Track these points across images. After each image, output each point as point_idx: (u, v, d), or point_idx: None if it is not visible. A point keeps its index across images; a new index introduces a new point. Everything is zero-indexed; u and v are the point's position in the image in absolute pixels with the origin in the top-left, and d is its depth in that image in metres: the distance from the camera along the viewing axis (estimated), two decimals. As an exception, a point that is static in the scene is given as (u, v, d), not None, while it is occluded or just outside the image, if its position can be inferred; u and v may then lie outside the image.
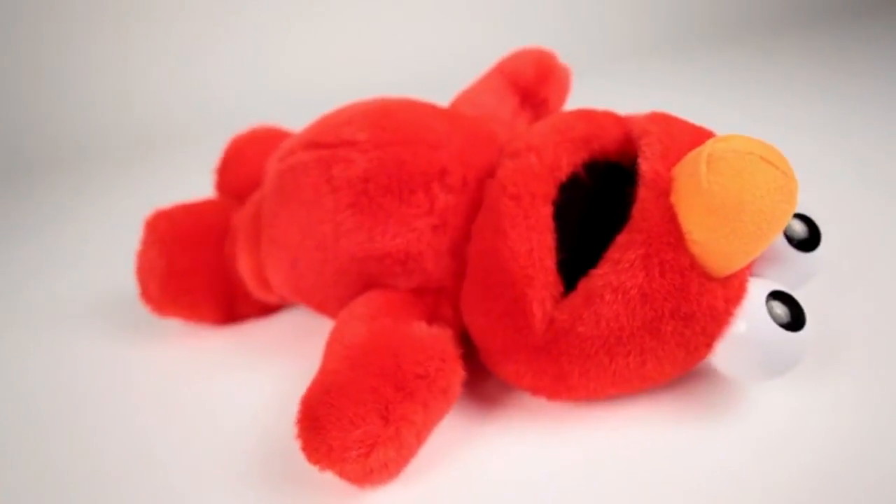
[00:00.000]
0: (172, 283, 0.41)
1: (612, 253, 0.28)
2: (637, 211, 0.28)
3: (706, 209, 0.27)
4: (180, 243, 0.42)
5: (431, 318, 0.33)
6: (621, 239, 0.28)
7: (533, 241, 0.30)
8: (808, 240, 0.31)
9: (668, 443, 0.30)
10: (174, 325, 0.45)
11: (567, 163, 0.32)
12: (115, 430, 0.36)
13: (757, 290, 0.29)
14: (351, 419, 0.27)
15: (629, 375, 0.29)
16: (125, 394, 0.39)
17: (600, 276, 0.28)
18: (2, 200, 0.83)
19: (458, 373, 0.31)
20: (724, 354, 0.29)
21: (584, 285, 0.28)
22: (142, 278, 0.42)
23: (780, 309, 0.28)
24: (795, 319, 0.28)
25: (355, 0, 1.11)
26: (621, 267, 0.28)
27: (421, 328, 0.31)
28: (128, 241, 0.51)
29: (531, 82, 0.44)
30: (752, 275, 0.30)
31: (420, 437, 0.29)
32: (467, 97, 0.44)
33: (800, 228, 0.31)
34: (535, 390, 0.31)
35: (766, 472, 0.28)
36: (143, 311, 0.46)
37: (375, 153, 0.34)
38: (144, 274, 0.42)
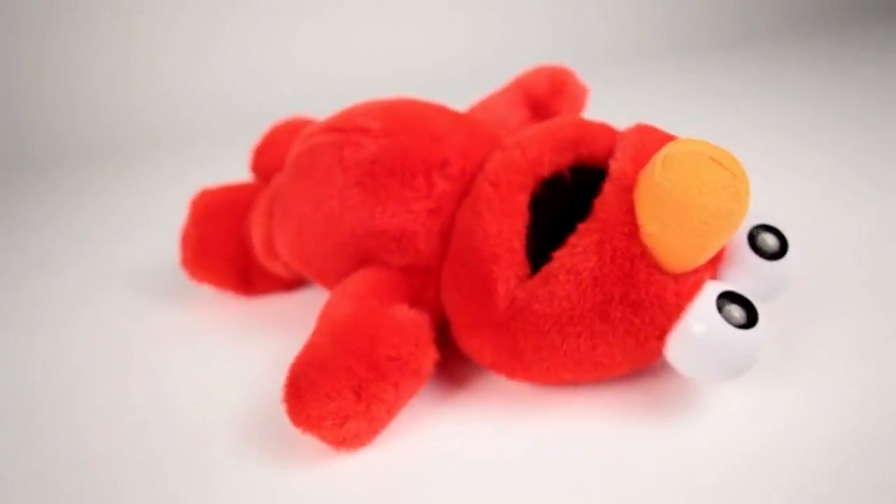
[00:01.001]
0: (200, 252, 0.46)
1: (572, 238, 0.30)
2: (598, 202, 0.31)
3: (657, 202, 0.29)
4: (211, 217, 0.47)
5: (416, 299, 0.36)
6: (581, 226, 0.31)
7: (504, 224, 0.32)
8: (776, 250, 0.32)
9: (625, 436, 0.31)
10: (201, 295, 0.50)
11: (550, 160, 0.34)
12: (137, 383, 0.41)
13: (711, 291, 0.30)
14: (327, 393, 0.31)
15: (580, 358, 0.31)
16: (146, 351, 0.44)
17: (557, 258, 0.30)
18: (8, 196, 0.86)
19: (430, 356, 0.33)
20: (678, 354, 0.30)
21: (544, 267, 0.31)
22: (181, 246, 0.47)
23: (738, 312, 0.29)
24: (751, 322, 0.29)
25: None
26: (576, 251, 0.30)
27: (401, 312, 0.34)
28: (127, 235, 0.58)
29: (543, 96, 0.47)
30: (715, 279, 0.31)
31: (391, 412, 0.33)
32: (483, 105, 0.47)
33: (770, 239, 0.32)
34: (495, 366, 0.33)
35: (720, 468, 0.29)
36: (180, 282, 0.52)
37: (384, 140, 0.38)
38: (182, 242, 0.47)
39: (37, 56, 1.02)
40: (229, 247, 0.46)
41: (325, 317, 0.35)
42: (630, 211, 0.30)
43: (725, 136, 0.69)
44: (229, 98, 1.08)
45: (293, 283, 0.48)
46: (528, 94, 0.47)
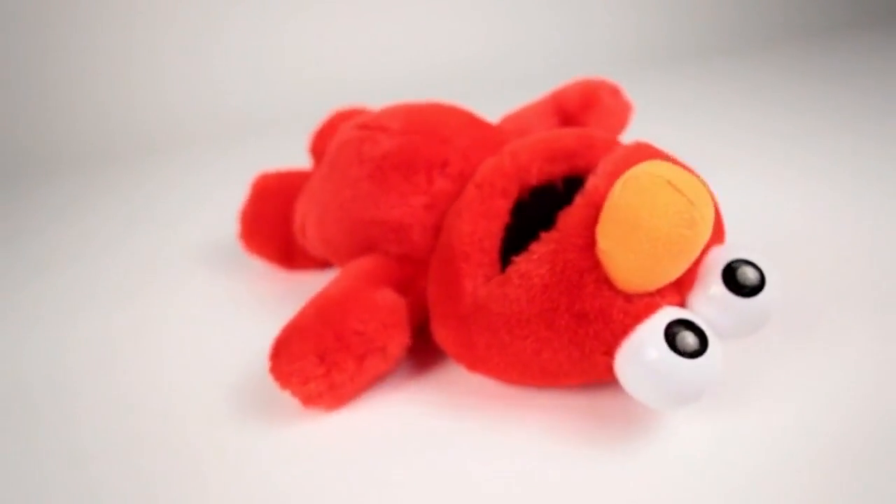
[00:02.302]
0: (252, 228, 0.52)
1: (532, 245, 0.32)
2: (562, 214, 0.32)
3: (611, 220, 0.29)
4: (265, 197, 0.52)
5: (405, 288, 0.39)
6: (544, 235, 0.32)
7: (478, 225, 0.34)
8: (753, 286, 0.30)
9: (576, 457, 0.31)
10: (252, 268, 0.56)
11: (539, 169, 0.36)
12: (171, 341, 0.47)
13: (663, 316, 0.29)
14: (296, 353, 0.34)
15: (527, 360, 0.32)
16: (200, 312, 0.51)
17: (515, 263, 0.32)
18: (6, 201, 0.87)
19: (398, 338, 0.36)
20: (624, 375, 0.30)
21: (505, 270, 0.32)
22: (238, 222, 0.54)
23: (692, 339, 0.29)
24: (704, 349, 0.29)
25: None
26: (532, 257, 0.31)
27: (382, 294, 0.37)
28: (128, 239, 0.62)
29: (573, 108, 0.48)
30: (683, 306, 0.31)
31: (355, 383, 0.36)
32: (516, 114, 0.49)
33: (750, 274, 0.31)
34: (457, 357, 0.35)
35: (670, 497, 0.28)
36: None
37: (398, 139, 0.41)
38: (239, 219, 0.53)
39: (39, 59, 1.03)
40: (275, 225, 0.52)
41: (320, 292, 0.39)
42: (590, 226, 0.30)
43: (719, 142, 0.69)
44: (231, 103, 1.09)
45: (327, 262, 0.53)
46: (560, 105, 0.48)
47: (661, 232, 0.27)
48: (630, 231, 0.28)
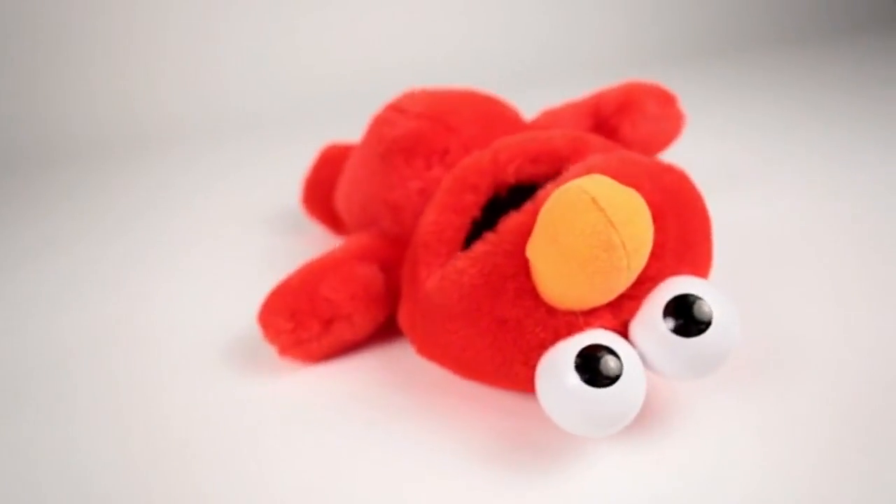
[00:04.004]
0: (310, 194, 0.57)
1: (475, 244, 0.32)
2: (505, 217, 0.32)
3: (537, 231, 0.28)
4: (325, 166, 0.57)
5: (392, 267, 0.41)
6: (486, 235, 0.32)
7: (443, 216, 0.35)
8: (696, 325, 0.27)
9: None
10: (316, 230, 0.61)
11: (518, 168, 0.36)
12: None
13: (580, 340, 0.28)
14: (272, 309, 0.38)
15: (456, 356, 0.32)
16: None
17: (456, 258, 0.32)
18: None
19: (365, 311, 0.38)
20: (541, 397, 0.28)
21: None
22: (301, 187, 0.59)
23: (615, 364, 0.27)
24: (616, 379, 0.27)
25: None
26: (469, 256, 0.31)
27: (364, 269, 0.39)
28: (126, 236, 0.63)
29: (608, 110, 0.46)
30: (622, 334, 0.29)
31: (322, 345, 0.39)
32: (554, 110, 0.48)
33: (699, 312, 0.28)
34: (409, 338, 0.36)
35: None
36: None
37: (411, 123, 0.43)
38: (302, 183, 0.59)
39: (33, 52, 1.02)
40: (328, 193, 0.56)
41: (315, 257, 0.42)
42: (525, 233, 0.30)
43: (711, 144, 0.68)
44: (226, 96, 1.07)
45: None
46: (597, 106, 0.46)
47: (576, 250, 0.26)
48: (548, 245, 0.27)
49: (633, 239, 0.26)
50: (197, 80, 1.07)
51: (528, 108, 0.54)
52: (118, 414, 0.38)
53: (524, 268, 0.29)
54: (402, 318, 0.37)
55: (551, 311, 0.29)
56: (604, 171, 0.31)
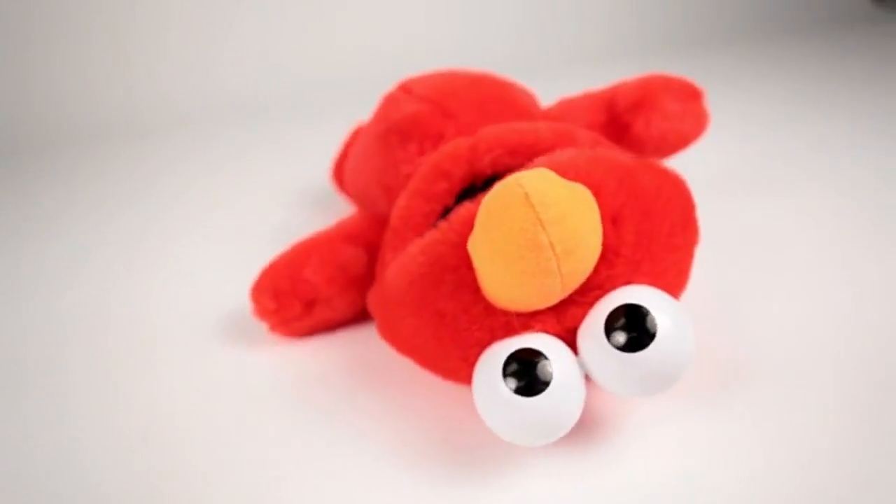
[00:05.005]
0: (339, 170, 0.59)
1: (428, 232, 0.31)
2: (458, 207, 0.31)
3: (476, 224, 0.27)
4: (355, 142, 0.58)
5: (377, 249, 0.41)
6: (439, 223, 0.31)
7: (413, 202, 0.35)
8: (632, 339, 0.26)
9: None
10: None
11: (495, 159, 0.35)
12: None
13: (516, 342, 0.27)
14: (259, 287, 0.40)
15: (405, 339, 0.32)
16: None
17: (410, 245, 0.32)
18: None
19: (342, 294, 0.39)
20: (482, 413, 0.27)
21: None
22: (333, 163, 0.61)
23: (544, 370, 0.26)
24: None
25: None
26: (420, 242, 0.31)
27: (347, 252, 0.40)
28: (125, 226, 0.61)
29: (623, 105, 0.43)
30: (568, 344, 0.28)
31: (302, 323, 0.40)
32: (570, 100, 0.46)
33: (650, 324, 0.26)
34: (374, 319, 0.37)
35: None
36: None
37: (413, 105, 0.42)
38: (334, 160, 0.60)
39: (31, 42, 1.01)
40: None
41: (305, 237, 0.43)
42: (472, 224, 0.29)
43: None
44: (225, 85, 1.06)
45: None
46: (613, 100, 0.44)
47: (503, 248, 0.25)
48: (483, 239, 0.26)
49: (564, 241, 0.25)
50: (198, 64, 1.07)
51: (547, 97, 0.52)
52: (115, 390, 0.39)
53: (467, 260, 0.29)
54: (369, 299, 0.38)
55: (490, 309, 0.28)
56: (567, 167, 0.30)
